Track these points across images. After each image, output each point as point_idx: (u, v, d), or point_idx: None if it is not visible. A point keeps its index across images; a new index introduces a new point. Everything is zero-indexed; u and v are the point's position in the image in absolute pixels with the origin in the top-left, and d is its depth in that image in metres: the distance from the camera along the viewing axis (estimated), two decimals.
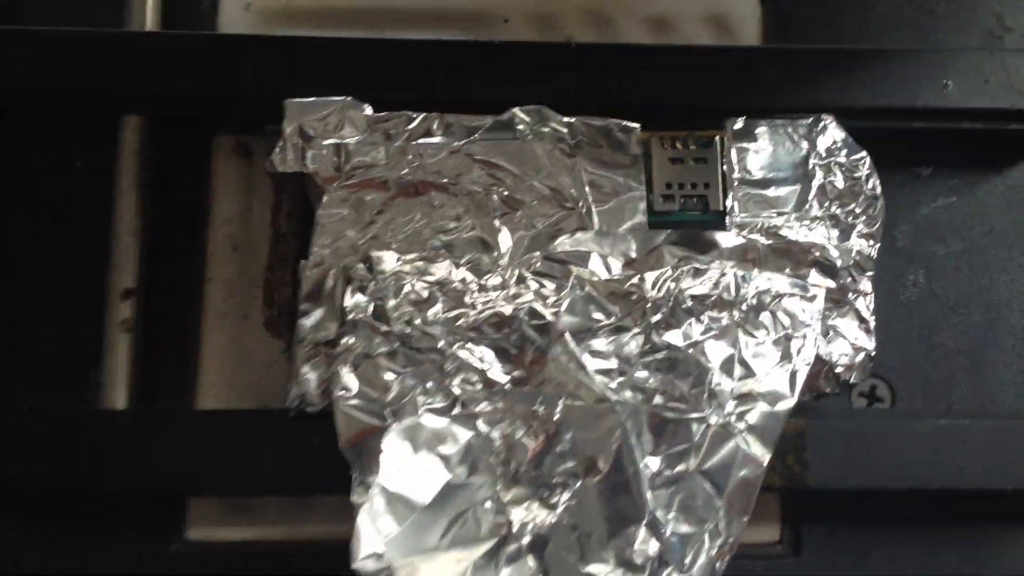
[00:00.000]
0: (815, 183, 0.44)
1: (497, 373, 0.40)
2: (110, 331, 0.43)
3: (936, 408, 0.46)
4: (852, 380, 0.42)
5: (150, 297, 0.44)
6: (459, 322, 0.40)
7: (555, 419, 0.39)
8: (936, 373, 0.47)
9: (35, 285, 0.44)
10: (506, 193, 0.43)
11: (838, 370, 0.42)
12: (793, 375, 0.41)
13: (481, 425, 0.39)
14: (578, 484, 0.39)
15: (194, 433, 0.42)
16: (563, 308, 0.41)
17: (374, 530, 0.37)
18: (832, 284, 0.43)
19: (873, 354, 0.43)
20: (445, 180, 0.43)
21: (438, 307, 0.41)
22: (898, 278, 0.47)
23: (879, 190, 0.44)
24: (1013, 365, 0.47)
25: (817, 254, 0.43)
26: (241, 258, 0.46)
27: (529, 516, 0.38)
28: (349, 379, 0.39)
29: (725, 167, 0.44)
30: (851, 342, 0.43)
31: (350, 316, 0.40)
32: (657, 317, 0.41)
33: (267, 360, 0.46)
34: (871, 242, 0.44)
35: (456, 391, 0.40)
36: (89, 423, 0.41)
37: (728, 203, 0.44)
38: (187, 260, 0.46)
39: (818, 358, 0.42)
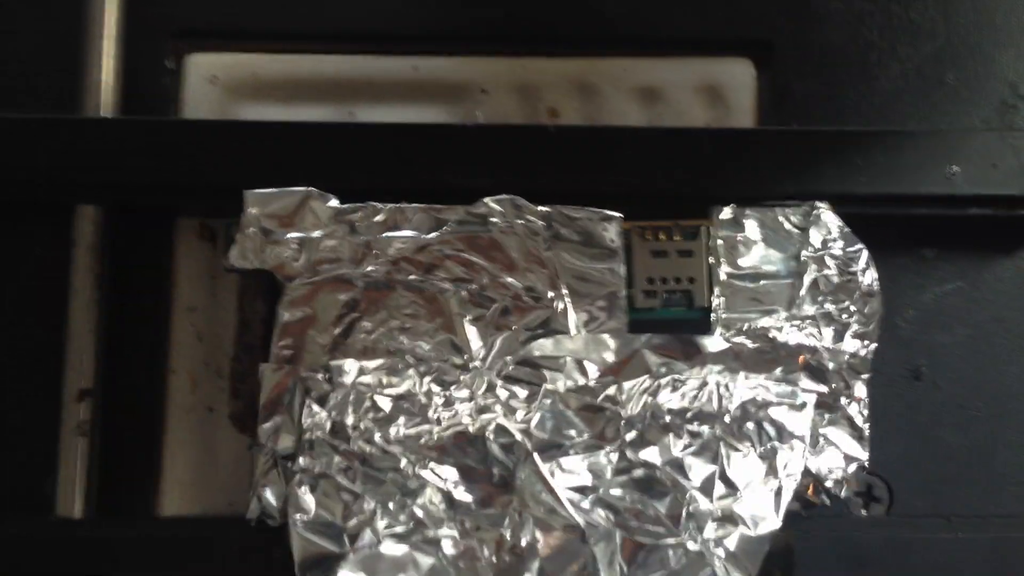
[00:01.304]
0: (807, 278, 0.41)
1: (462, 494, 0.38)
2: (65, 435, 0.41)
3: (936, 512, 0.43)
4: (843, 494, 0.40)
5: (108, 396, 0.42)
6: (422, 440, 0.38)
7: (523, 544, 0.37)
8: (937, 472, 0.44)
9: None
10: (477, 291, 0.41)
11: (828, 484, 0.40)
12: (778, 493, 0.39)
13: (444, 549, 0.37)
14: None
15: (153, 545, 0.40)
16: (532, 425, 0.38)
17: None
18: (823, 389, 0.40)
19: (867, 464, 0.40)
20: (413, 277, 0.41)
21: (400, 423, 0.38)
22: (899, 368, 0.45)
23: (877, 286, 0.41)
24: (1019, 464, 0.44)
25: (808, 357, 0.40)
26: (206, 348, 0.44)
27: None
28: (305, 500, 0.38)
29: (711, 260, 0.42)
30: (843, 452, 0.40)
31: (307, 435, 0.38)
32: (632, 434, 0.39)
33: (234, 455, 0.44)
34: (866, 342, 0.41)
35: (418, 513, 0.38)
36: (43, 535, 0.40)
37: (714, 300, 0.41)
38: (148, 353, 0.44)
39: (806, 471, 0.40)
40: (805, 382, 0.40)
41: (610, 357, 0.40)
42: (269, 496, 0.39)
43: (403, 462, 0.38)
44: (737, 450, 0.39)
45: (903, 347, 0.45)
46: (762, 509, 0.38)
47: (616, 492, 0.38)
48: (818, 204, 0.42)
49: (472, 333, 0.40)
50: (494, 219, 0.41)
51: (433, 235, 0.41)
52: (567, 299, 0.41)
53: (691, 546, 0.37)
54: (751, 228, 0.42)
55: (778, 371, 0.40)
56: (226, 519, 0.42)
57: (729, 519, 0.38)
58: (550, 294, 0.41)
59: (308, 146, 0.42)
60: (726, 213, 0.42)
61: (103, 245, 0.43)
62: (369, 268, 0.41)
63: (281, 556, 0.38)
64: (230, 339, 0.45)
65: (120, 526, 0.41)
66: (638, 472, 0.38)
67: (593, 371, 0.40)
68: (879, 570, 0.40)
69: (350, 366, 0.39)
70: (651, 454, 0.38)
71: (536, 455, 0.38)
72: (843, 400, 0.40)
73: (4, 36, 0.45)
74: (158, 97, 0.45)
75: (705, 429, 0.39)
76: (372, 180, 0.42)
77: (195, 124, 0.44)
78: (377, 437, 0.38)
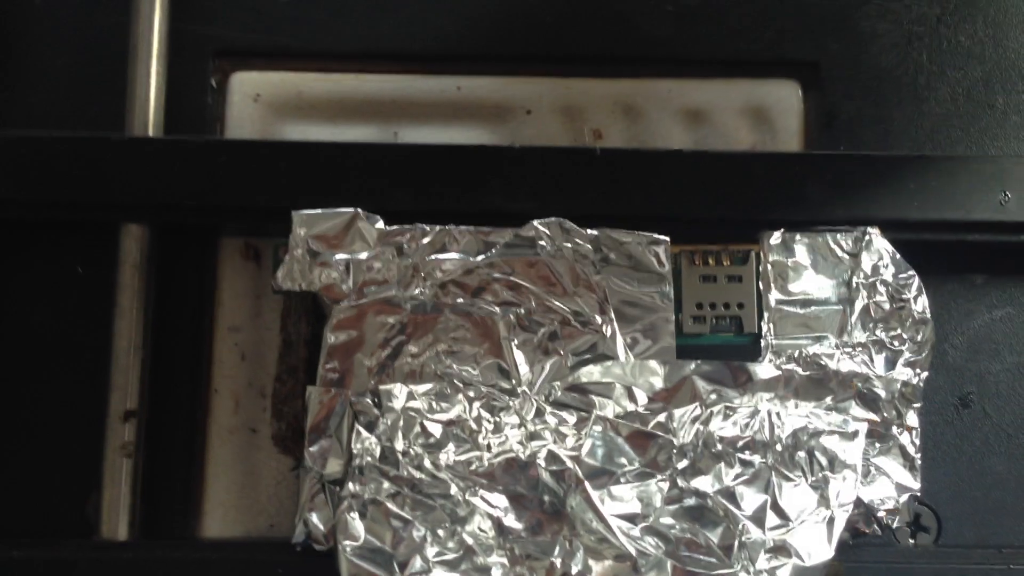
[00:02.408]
0: (858, 304, 0.41)
1: (512, 521, 0.38)
2: (109, 456, 0.41)
3: (985, 542, 0.43)
4: (895, 524, 0.40)
5: (152, 417, 0.42)
6: (472, 466, 0.38)
7: (573, 573, 0.37)
8: (987, 502, 0.43)
9: (30, 407, 0.43)
10: (525, 315, 0.40)
11: (880, 514, 0.39)
12: (831, 523, 0.38)
13: None
14: None
15: (199, 568, 0.40)
16: (583, 453, 0.38)
17: None
18: (875, 418, 0.40)
19: (919, 495, 0.40)
20: (460, 300, 0.40)
21: (450, 449, 0.38)
22: (947, 396, 0.44)
23: (928, 313, 0.41)
24: None
25: (859, 385, 0.40)
26: (249, 368, 0.44)
27: None
28: (354, 527, 0.37)
29: (761, 285, 0.41)
30: (895, 482, 0.40)
31: (357, 460, 0.38)
32: (684, 463, 0.38)
33: (276, 477, 0.44)
34: (918, 371, 0.40)
35: (468, 540, 0.37)
36: (87, 557, 0.40)
37: (763, 326, 0.41)
38: (192, 373, 0.44)
39: (858, 500, 0.39)
40: (856, 410, 0.40)
41: (659, 383, 0.40)
42: (316, 521, 0.38)
43: (453, 488, 0.38)
44: (789, 479, 0.38)
45: (952, 374, 0.44)
46: (815, 540, 0.38)
47: (667, 521, 0.38)
48: (869, 230, 0.41)
49: (520, 357, 0.40)
50: (542, 242, 0.41)
51: (481, 258, 0.41)
52: (615, 324, 0.40)
53: None
54: (801, 253, 0.41)
55: (829, 399, 0.40)
56: (271, 543, 0.42)
57: (782, 550, 0.37)
58: (598, 319, 0.40)
59: (352, 166, 0.42)
60: (776, 238, 0.41)
61: (147, 264, 0.42)
62: (416, 291, 0.40)
63: None
64: (273, 360, 0.44)
65: (165, 549, 0.41)
66: (690, 501, 0.38)
67: (642, 397, 0.39)
68: None
69: (399, 391, 0.39)
70: (703, 483, 0.38)
71: (587, 483, 0.38)
72: (895, 429, 0.40)
73: (50, 56, 0.45)
74: (202, 116, 0.45)
75: (757, 458, 0.38)
76: (415, 201, 0.42)
77: (239, 144, 0.43)
78: (427, 463, 0.38)
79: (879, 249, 0.41)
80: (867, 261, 0.41)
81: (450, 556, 0.37)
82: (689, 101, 0.46)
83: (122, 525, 0.41)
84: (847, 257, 0.41)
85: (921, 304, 0.41)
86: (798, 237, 0.41)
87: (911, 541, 0.43)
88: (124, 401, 0.41)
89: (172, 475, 0.43)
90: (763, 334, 0.41)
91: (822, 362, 0.40)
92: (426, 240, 0.41)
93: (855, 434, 0.39)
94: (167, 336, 0.43)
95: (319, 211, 0.41)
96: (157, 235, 0.43)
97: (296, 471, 0.43)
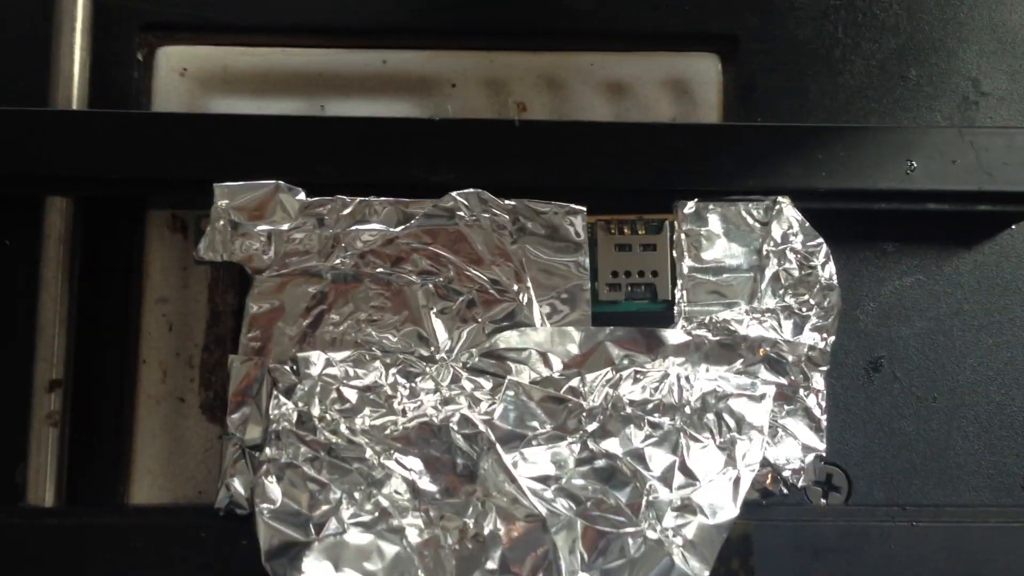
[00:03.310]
0: (769, 271, 0.42)
1: (426, 483, 0.39)
2: (35, 425, 0.42)
3: (893, 501, 0.44)
4: (801, 484, 0.41)
5: (79, 386, 0.43)
6: (387, 431, 0.39)
7: (485, 533, 0.38)
8: (896, 462, 0.45)
9: None
10: (444, 283, 0.41)
11: (786, 473, 0.41)
12: (736, 482, 0.39)
13: (409, 538, 0.38)
14: None
15: (123, 533, 0.40)
16: (495, 416, 0.39)
17: None
18: (783, 381, 0.41)
19: (824, 455, 0.41)
20: (380, 270, 0.41)
21: (366, 414, 0.39)
22: (859, 360, 0.45)
23: (835, 280, 0.42)
24: (976, 455, 0.45)
25: (768, 350, 0.41)
26: (177, 339, 0.45)
27: None
28: (271, 490, 0.38)
29: (674, 254, 0.42)
30: (801, 443, 0.41)
31: (274, 425, 0.39)
32: (594, 425, 0.39)
33: (204, 445, 0.44)
34: (825, 335, 0.42)
35: (383, 502, 0.38)
36: (13, 523, 0.40)
37: (677, 293, 0.42)
38: (119, 344, 0.44)
39: (765, 461, 0.40)
40: (765, 374, 0.41)
41: (574, 349, 0.41)
42: (237, 486, 0.39)
43: (368, 452, 0.38)
44: (697, 441, 0.40)
45: (863, 339, 0.46)
46: (721, 499, 0.39)
47: (578, 482, 0.39)
48: (779, 199, 0.42)
49: (438, 325, 0.41)
50: (461, 213, 0.41)
51: (400, 228, 0.41)
52: (532, 292, 0.41)
53: (650, 535, 0.38)
54: (714, 222, 0.42)
55: (738, 363, 0.41)
56: (195, 508, 0.43)
57: (688, 508, 0.39)
58: (515, 287, 0.41)
59: (277, 139, 0.43)
60: (690, 207, 0.42)
61: (73, 237, 0.43)
62: (337, 261, 0.41)
63: (248, 545, 0.39)
64: (201, 330, 0.45)
65: (90, 514, 0.41)
66: (599, 462, 0.39)
67: (557, 363, 0.40)
68: (836, 558, 0.41)
69: (317, 358, 0.40)
70: (612, 445, 0.39)
71: (499, 446, 0.39)
72: (802, 392, 0.41)
73: None
74: (128, 90, 0.46)
75: (666, 420, 0.40)
76: (340, 174, 0.42)
77: (165, 117, 0.44)
78: (343, 428, 0.39)
79: (789, 218, 0.42)
80: (777, 229, 0.42)
81: (366, 518, 0.38)
82: (611, 74, 0.47)
83: (49, 492, 0.41)
84: (758, 226, 0.42)
85: (828, 271, 0.42)
86: (711, 207, 0.42)
87: (822, 501, 0.44)
88: (50, 371, 0.42)
89: (100, 444, 0.44)
90: (676, 301, 0.42)
91: (732, 327, 0.41)
92: (346, 211, 0.41)
93: (763, 397, 0.40)
94: (95, 307, 0.44)
95: (241, 183, 0.41)
96: (83, 208, 0.43)
97: (223, 439, 0.44)
